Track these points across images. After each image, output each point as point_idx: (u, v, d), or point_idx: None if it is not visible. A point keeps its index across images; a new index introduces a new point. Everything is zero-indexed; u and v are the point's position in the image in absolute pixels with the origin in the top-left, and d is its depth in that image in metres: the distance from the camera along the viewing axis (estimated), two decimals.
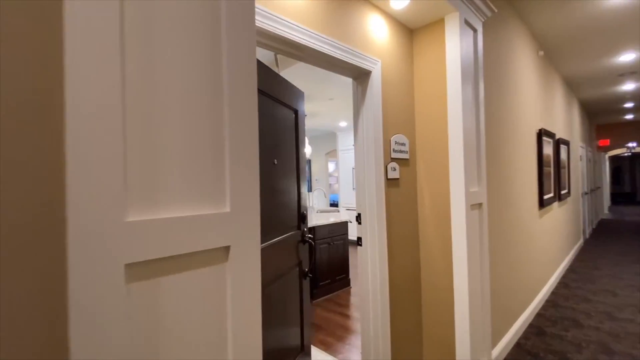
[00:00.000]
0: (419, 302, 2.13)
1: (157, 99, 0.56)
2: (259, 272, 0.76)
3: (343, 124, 6.35)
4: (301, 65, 3.23)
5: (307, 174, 8.94)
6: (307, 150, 5.51)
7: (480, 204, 2.12)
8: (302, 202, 1.91)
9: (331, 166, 11.72)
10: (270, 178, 1.55)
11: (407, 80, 2.11)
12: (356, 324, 3.05)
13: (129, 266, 0.52)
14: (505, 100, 2.76)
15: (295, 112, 1.88)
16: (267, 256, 1.50)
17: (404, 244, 2.04)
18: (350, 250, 4.47)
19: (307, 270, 1.88)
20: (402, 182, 2.05)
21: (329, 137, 8.25)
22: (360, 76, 1.87)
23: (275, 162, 1.63)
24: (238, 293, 0.70)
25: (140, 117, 0.54)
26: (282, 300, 1.61)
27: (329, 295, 3.76)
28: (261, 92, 1.53)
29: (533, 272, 3.32)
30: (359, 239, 1.89)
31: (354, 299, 3.70)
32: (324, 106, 4.87)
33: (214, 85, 0.66)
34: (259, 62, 1.52)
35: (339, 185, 7.17)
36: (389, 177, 1.92)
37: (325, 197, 6.36)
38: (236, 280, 0.70)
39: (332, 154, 8.54)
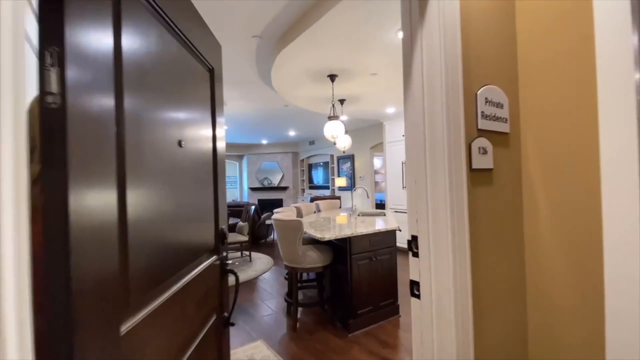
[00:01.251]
0: None
1: None
2: None
3: (390, 109, 5.35)
4: (330, 25, 2.37)
5: (349, 171, 8.05)
6: (346, 142, 4.64)
7: None
8: (221, 213, 1.14)
9: (377, 162, 10.69)
10: (171, 170, 0.78)
11: None
12: None
13: None
14: None
15: (211, 71, 1.12)
16: (162, 322, 0.72)
17: (501, 298, 1.09)
18: (400, 265, 3.45)
19: (230, 314, 1.18)
20: (497, 177, 1.10)
21: (374, 129, 7.28)
22: None
23: (182, 144, 0.83)
24: None
25: None
26: None
27: (369, 328, 2.87)
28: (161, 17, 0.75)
29: None
30: (414, 284, 1.00)
31: (404, 335, 2.77)
32: (366, 85, 3.96)
33: None
34: None
35: (385, 183, 6.19)
36: (474, 166, 0.99)
37: (369, 197, 5.44)
38: None
39: (377, 148, 7.55)
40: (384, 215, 4.16)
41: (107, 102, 0.58)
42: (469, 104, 0.99)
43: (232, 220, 5.25)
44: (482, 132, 1.04)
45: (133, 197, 0.63)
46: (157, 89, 0.74)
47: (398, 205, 5.88)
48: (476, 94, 1.03)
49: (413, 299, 1.01)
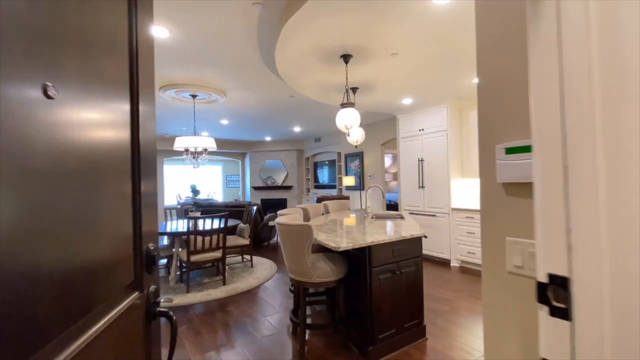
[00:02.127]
0: None
1: None
2: None
3: (407, 100, 4.84)
4: None
5: (358, 169, 7.56)
6: (359, 136, 4.15)
7: None
8: (146, 225, 0.69)
9: (387, 160, 10.17)
10: (30, 143, 0.31)
11: None
12: None
13: None
14: None
15: None
16: None
17: None
18: (426, 276, 2.88)
19: None
20: None
21: (386, 124, 6.78)
22: None
23: (52, 94, 0.38)
24: None
25: None
26: None
27: (393, 355, 2.38)
28: None
29: None
30: None
31: None
32: (383, 69, 3.47)
33: None
34: None
35: (398, 182, 5.68)
36: None
37: (384, 197, 4.95)
38: None
39: (389, 144, 7.05)
40: (402, 217, 3.67)
41: None
42: None
43: (232, 222, 4.80)
44: None
45: None
46: None
47: (413, 207, 5.38)
48: None
49: None
